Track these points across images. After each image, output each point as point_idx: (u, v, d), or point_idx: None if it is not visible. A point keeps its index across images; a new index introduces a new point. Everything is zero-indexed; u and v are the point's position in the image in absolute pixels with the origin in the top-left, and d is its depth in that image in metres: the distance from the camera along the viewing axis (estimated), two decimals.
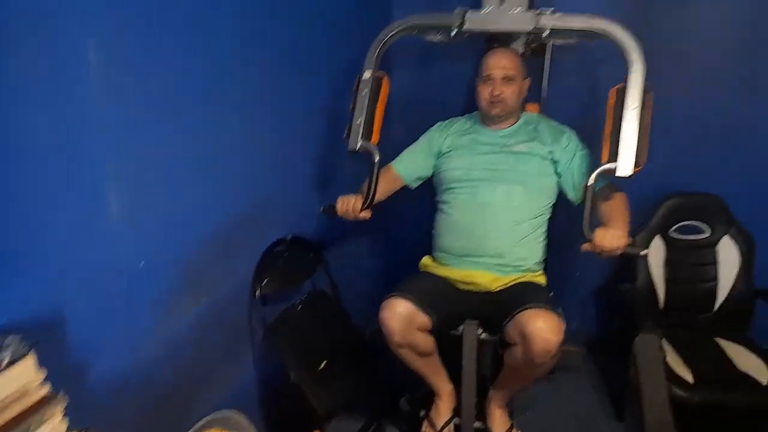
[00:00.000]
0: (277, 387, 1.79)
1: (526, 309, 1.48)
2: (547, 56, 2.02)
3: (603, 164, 1.49)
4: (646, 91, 1.49)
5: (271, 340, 1.71)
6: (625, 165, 1.46)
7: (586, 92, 2.28)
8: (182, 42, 1.27)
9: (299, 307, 1.83)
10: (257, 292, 1.66)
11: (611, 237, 1.45)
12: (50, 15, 0.97)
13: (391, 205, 1.92)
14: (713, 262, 1.91)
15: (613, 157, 1.47)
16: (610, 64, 2.16)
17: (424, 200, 2.51)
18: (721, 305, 1.91)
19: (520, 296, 1.58)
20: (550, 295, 1.65)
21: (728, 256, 1.90)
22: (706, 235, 1.93)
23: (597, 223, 1.55)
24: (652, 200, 1.99)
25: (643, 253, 1.52)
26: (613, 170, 1.47)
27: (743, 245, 1.89)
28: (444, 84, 2.39)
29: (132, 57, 1.14)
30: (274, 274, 1.71)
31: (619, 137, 1.47)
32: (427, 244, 1.98)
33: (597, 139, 1.69)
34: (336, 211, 1.68)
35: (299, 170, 1.89)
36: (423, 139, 1.89)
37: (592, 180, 1.49)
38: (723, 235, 1.91)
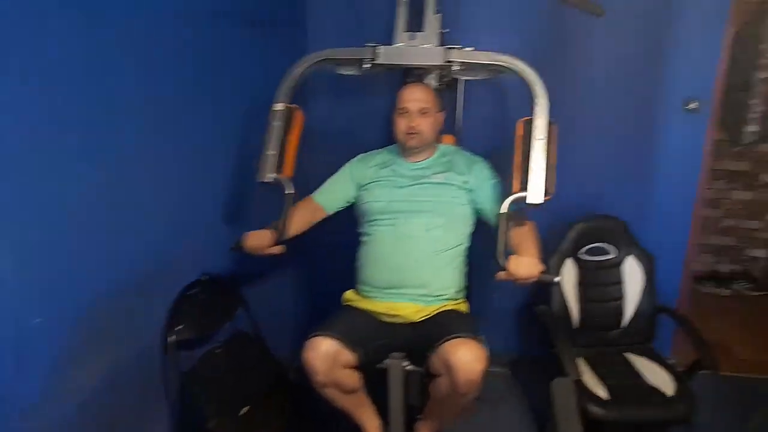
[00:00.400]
0: None
1: (449, 340, 1.49)
2: (460, 89, 2.09)
3: (514, 193, 1.54)
4: (551, 123, 1.57)
5: (188, 388, 1.61)
6: (535, 193, 1.52)
7: (497, 123, 2.39)
8: (75, 79, 1.18)
9: (218, 350, 1.74)
10: (170, 340, 1.56)
11: (525, 265, 1.50)
12: None
13: (313, 237, 1.89)
14: (619, 281, 2.02)
15: (524, 186, 1.53)
16: (518, 97, 2.33)
17: (346, 232, 2.52)
18: (629, 322, 2.02)
19: (443, 326, 1.59)
20: (473, 322, 1.67)
21: (632, 276, 2.02)
22: (612, 255, 2.04)
23: (509, 251, 1.60)
24: (562, 225, 2.09)
25: (556, 279, 1.58)
26: (524, 198, 1.52)
27: (645, 264, 2.02)
28: (359, 117, 2.42)
29: (17, 99, 1.04)
30: (189, 320, 1.62)
31: (528, 167, 1.53)
32: (351, 275, 1.97)
33: (510, 167, 1.77)
34: (243, 247, 1.64)
35: (210, 207, 1.82)
36: (344, 170, 1.89)
37: (504, 208, 1.53)
38: (627, 256, 2.03)
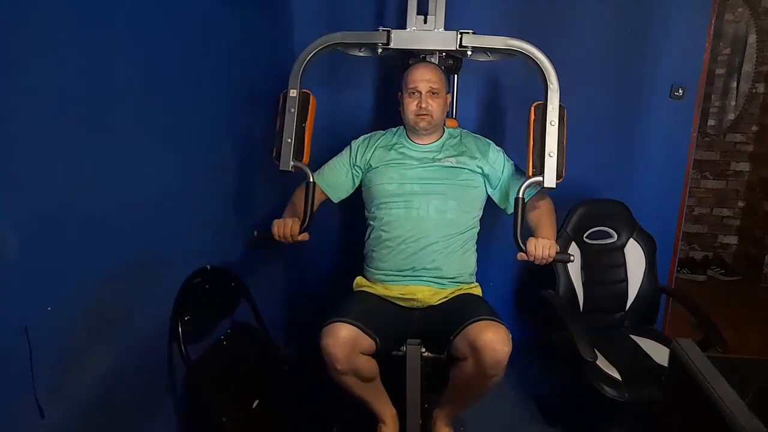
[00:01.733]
0: None
1: (475, 321, 1.46)
2: (457, 74, 2.07)
3: (529, 177, 1.54)
4: (561, 107, 1.57)
5: (196, 382, 1.52)
6: (550, 177, 1.53)
7: (490, 107, 2.39)
8: (83, 70, 1.11)
9: (224, 342, 1.66)
10: (179, 331, 1.47)
11: (543, 246, 1.51)
12: None
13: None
14: (623, 264, 2.04)
15: (538, 170, 1.53)
16: (510, 81, 2.34)
17: (339, 217, 2.47)
18: (632, 303, 2.04)
19: (463, 309, 1.57)
20: (491, 306, 1.64)
21: (635, 258, 2.04)
22: (614, 239, 2.06)
23: (526, 231, 1.60)
24: (564, 209, 2.09)
25: (572, 259, 1.60)
26: (540, 182, 1.52)
27: (646, 247, 2.05)
28: (347, 105, 2.38)
29: (32, 78, 0.98)
30: (196, 310, 1.54)
31: (542, 151, 1.53)
32: (351, 261, 1.92)
33: (507, 148, 1.82)
34: (272, 236, 1.60)
35: (210, 196, 1.74)
36: (344, 153, 1.84)
37: (521, 193, 1.53)
38: (628, 239, 2.05)
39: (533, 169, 1.54)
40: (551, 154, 1.52)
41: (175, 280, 1.54)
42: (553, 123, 1.53)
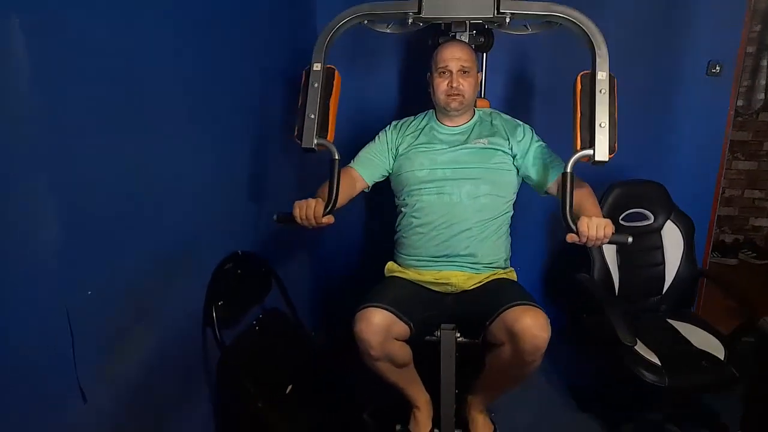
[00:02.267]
0: (238, 418, 1.59)
1: (512, 306, 1.42)
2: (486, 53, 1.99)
3: (578, 151, 1.44)
4: (611, 76, 1.48)
5: (231, 367, 1.51)
6: (601, 150, 1.40)
7: (518, 85, 2.33)
8: (109, 65, 1.09)
9: (257, 328, 1.65)
10: (213, 316, 1.46)
11: (597, 226, 1.39)
12: None
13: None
14: (660, 247, 1.99)
15: (586, 143, 1.42)
16: (539, 56, 2.27)
17: (367, 202, 2.44)
18: (669, 287, 1.99)
19: (499, 294, 1.53)
20: (527, 291, 1.60)
21: (672, 240, 1.99)
22: (651, 221, 2.00)
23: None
24: (597, 191, 2.03)
25: (630, 240, 1.48)
26: (591, 156, 1.40)
27: (684, 228, 1.99)
28: (372, 90, 2.33)
29: (66, 75, 0.97)
30: (228, 296, 1.53)
31: (592, 123, 1.41)
32: (381, 247, 1.89)
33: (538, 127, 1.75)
34: (293, 218, 1.49)
35: (238, 179, 1.72)
36: (377, 140, 1.79)
37: (569, 168, 1.42)
38: (666, 221, 1.99)
39: (582, 142, 1.42)
40: (602, 125, 1.40)
41: (208, 265, 1.53)
42: (603, 92, 1.42)
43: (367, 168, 1.73)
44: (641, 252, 1.98)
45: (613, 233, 1.39)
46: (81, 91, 1.01)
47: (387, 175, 1.77)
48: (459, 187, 1.64)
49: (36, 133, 0.91)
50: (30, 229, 0.92)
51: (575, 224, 1.38)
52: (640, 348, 1.71)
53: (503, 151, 1.68)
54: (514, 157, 1.69)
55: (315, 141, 1.47)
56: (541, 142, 1.71)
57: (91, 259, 1.05)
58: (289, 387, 1.61)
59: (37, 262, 0.93)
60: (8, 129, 0.86)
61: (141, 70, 1.19)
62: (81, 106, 1.01)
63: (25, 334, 0.92)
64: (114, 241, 1.12)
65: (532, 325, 1.38)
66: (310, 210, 1.45)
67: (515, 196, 1.74)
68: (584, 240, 1.39)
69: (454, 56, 1.64)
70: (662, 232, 2.00)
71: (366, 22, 1.64)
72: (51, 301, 0.96)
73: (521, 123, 1.75)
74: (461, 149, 1.68)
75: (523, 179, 1.73)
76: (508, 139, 1.69)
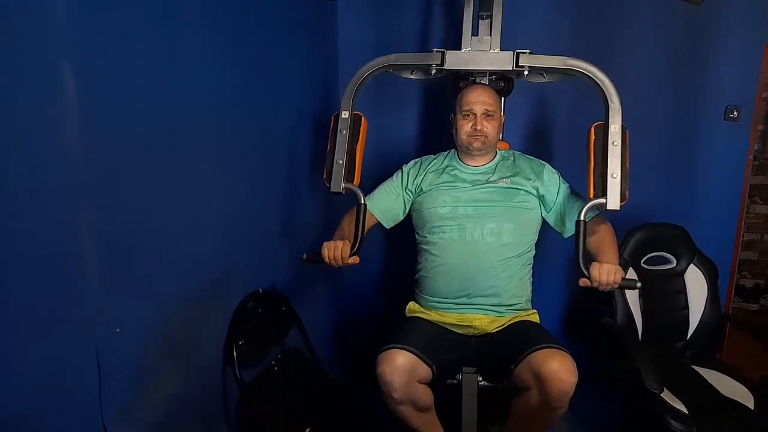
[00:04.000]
0: None
1: (539, 349, 1.41)
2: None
3: (591, 199, 1.49)
4: (623, 128, 1.53)
5: (250, 407, 1.49)
6: (613, 199, 1.47)
7: (537, 128, 2.36)
8: (150, 107, 1.13)
9: (276, 368, 1.63)
10: (234, 355, 1.45)
11: (608, 272, 1.44)
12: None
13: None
14: (683, 291, 1.96)
15: (599, 192, 1.48)
16: (555, 105, 2.30)
17: (387, 241, 2.45)
18: (694, 332, 1.95)
19: (524, 336, 1.52)
20: (552, 333, 1.59)
21: (696, 284, 1.96)
22: (673, 265, 1.98)
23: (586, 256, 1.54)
24: (619, 233, 2.03)
25: (639, 284, 1.51)
26: (603, 204, 1.47)
27: (708, 273, 1.97)
28: (394, 129, 2.38)
29: (111, 119, 1.01)
30: (249, 335, 1.52)
31: (605, 173, 1.48)
32: (401, 286, 1.88)
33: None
34: (322, 258, 1.55)
35: (261, 219, 1.73)
36: (395, 178, 1.81)
37: (583, 215, 1.48)
38: (689, 264, 1.97)
39: (595, 191, 1.49)
40: (614, 176, 1.47)
41: (230, 303, 1.53)
42: (615, 143, 1.49)
43: (382, 208, 1.77)
44: (664, 296, 1.95)
45: (623, 278, 1.45)
46: (123, 133, 1.04)
47: (401, 214, 1.79)
48: (481, 226, 1.65)
49: (81, 174, 0.94)
50: (69, 268, 0.93)
51: (587, 269, 1.44)
52: (667, 395, 1.67)
53: (525, 191, 1.69)
54: (540, 197, 1.71)
55: (342, 185, 1.55)
56: (567, 184, 1.73)
57: (123, 296, 1.06)
58: (308, 429, 1.58)
59: (72, 301, 0.94)
60: (57, 170, 0.89)
61: (179, 111, 1.23)
62: (123, 149, 1.04)
63: (54, 372, 0.92)
64: (144, 278, 1.13)
65: (559, 369, 1.36)
66: (338, 251, 1.51)
67: (537, 235, 1.74)
68: (595, 284, 1.43)
69: (478, 100, 1.68)
70: (685, 276, 1.97)
71: (392, 70, 1.70)
72: (81, 339, 0.97)
73: (546, 163, 1.77)
74: (483, 188, 1.70)
75: (544, 219, 1.74)
76: (533, 179, 1.71)
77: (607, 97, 1.52)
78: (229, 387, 1.49)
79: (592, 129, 1.54)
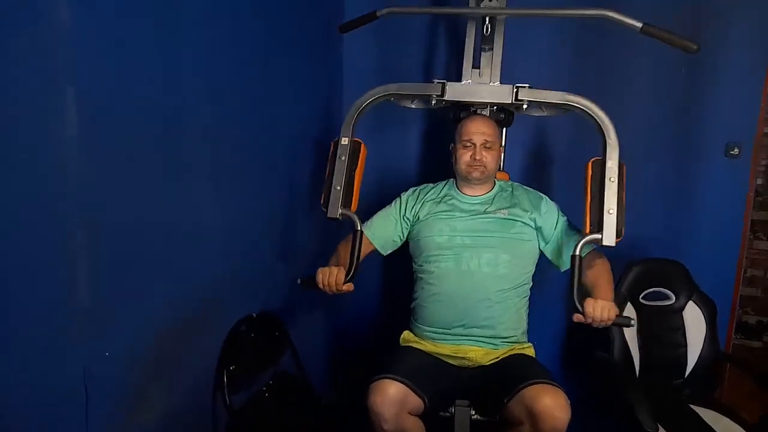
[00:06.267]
0: None
1: (532, 384, 1.39)
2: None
3: (587, 235, 1.49)
4: (621, 164, 1.53)
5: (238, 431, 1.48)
6: (609, 235, 1.48)
7: (536, 160, 2.37)
8: (149, 127, 1.15)
9: (267, 393, 1.62)
10: (224, 380, 1.44)
11: (602, 308, 1.43)
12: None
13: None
14: (681, 328, 1.94)
15: (595, 227, 1.49)
16: (555, 136, 2.32)
17: (384, 268, 2.44)
18: (692, 370, 1.93)
19: (518, 371, 1.50)
20: (546, 368, 1.57)
21: (694, 321, 1.94)
22: (672, 301, 1.96)
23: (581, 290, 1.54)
24: (616, 268, 2.02)
25: (633, 323, 1.51)
26: (598, 240, 1.47)
27: (707, 310, 1.95)
28: (393, 157, 2.39)
29: (109, 138, 1.02)
30: (241, 360, 1.51)
31: (601, 208, 1.49)
32: (396, 314, 1.87)
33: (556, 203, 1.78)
34: (316, 283, 1.54)
35: (256, 243, 1.73)
36: (393, 205, 1.82)
37: (578, 250, 1.48)
38: (687, 301, 1.96)
39: (591, 226, 1.50)
40: (611, 212, 1.47)
41: (223, 327, 1.52)
42: (612, 180, 1.50)
43: (379, 235, 1.77)
44: (662, 332, 1.94)
45: (617, 315, 1.44)
46: (119, 153, 1.05)
47: (398, 241, 1.79)
48: (478, 256, 1.64)
49: (73, 194, 0.94)
50: (59, 290, 0.94)
51: (582, 305, 1.43)
52: None
53: (523, 222, 1.69)
54: (537, 229, 1.71)
55: (339, 211, 1.56)
56: (566, 217, 1.73)
57: (113, 319, 1.06)
58: None
59: (60, 323, 0.94)
60: (48, 190, 0.90)
61: (179, 130, 1.24)
62: (118, 169, 1.05)
63: (41, 394, 0.92)
64: (136, 301, 1.13)
65: (552, 405, 1.34)
66: (332, 277, 1.51)
67: (534, 268, 1.74)
68: (589, 320, 1.42)
69: (478, 130, 1.69)
70: (684, 312, 1.95)
71: (392, 99, 1.72)
72: (70, 363, 0.96)
73: (544, 196, 1.78)
74: (481, 218, 1.70)
75: (542, 252, 1.73)
76: (530, 211, 1.71)
77: (605, 133, 1.53)
78: (218, 412, 1.48)
79: (590, 164, 1.55)
